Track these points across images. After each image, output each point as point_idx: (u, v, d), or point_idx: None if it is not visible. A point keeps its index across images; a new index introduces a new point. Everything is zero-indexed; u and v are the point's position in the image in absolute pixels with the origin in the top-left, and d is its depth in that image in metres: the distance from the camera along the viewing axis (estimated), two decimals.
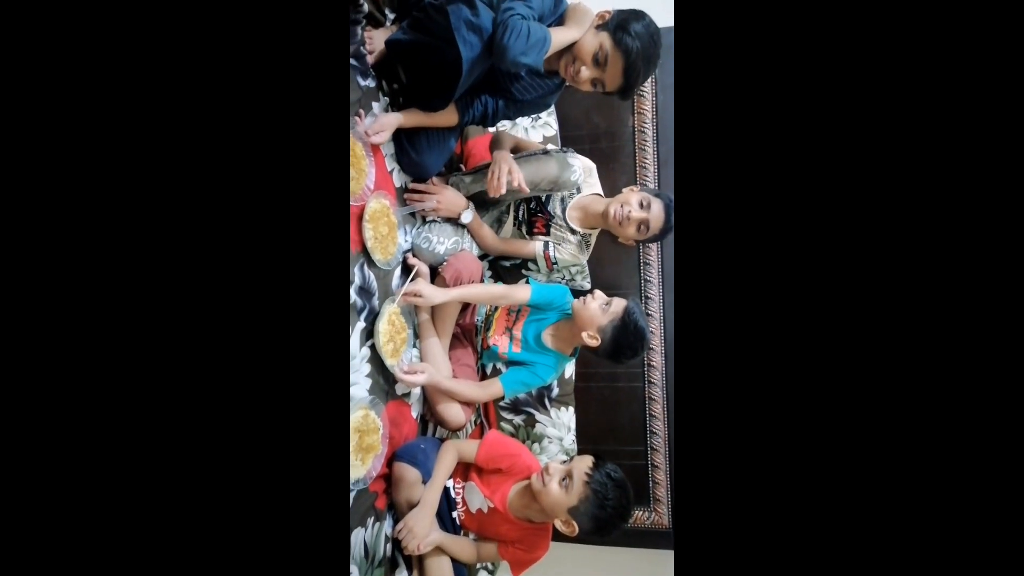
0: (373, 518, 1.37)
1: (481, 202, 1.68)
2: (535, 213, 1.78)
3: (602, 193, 1.80)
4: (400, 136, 1.51)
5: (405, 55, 1.46)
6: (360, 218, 1.37)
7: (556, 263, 1.78)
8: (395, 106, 1.54)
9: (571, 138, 2.06)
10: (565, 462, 1.37)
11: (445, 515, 1.43)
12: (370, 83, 1.45)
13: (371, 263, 1.41)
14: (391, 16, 1.56)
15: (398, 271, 1.55)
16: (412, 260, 1.57)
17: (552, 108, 1.96)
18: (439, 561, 1.39)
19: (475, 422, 1.85)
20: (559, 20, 1.38)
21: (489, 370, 1.74)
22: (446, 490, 1.44)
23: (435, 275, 1.61)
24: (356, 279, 1.35)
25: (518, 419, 1.88)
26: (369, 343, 1.39)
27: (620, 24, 1.32)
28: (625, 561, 2.00)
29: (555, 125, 2.04)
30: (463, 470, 1.51)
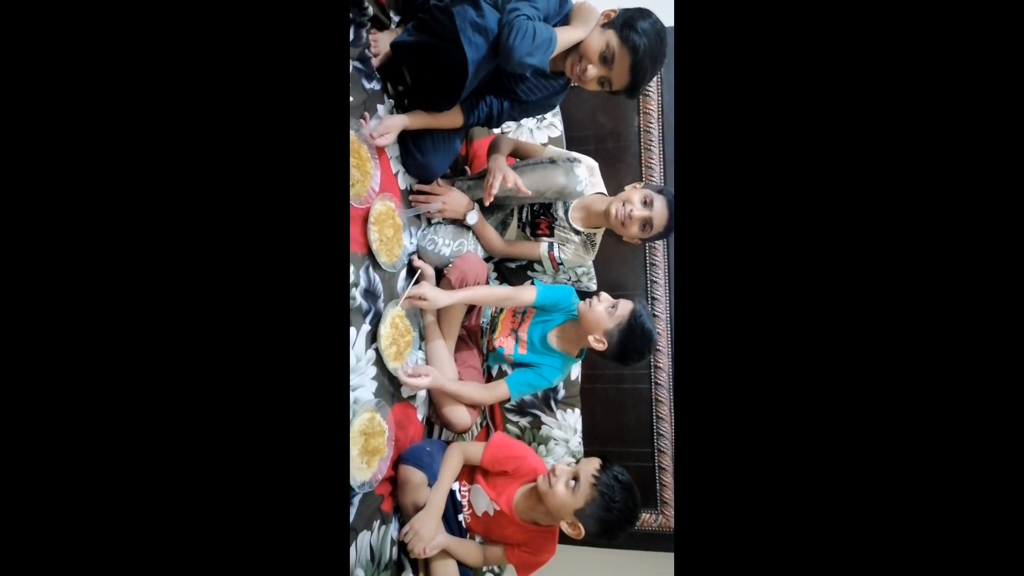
0: (379, 521, 1.36)
1: (485, 206, 1.68)
2: (538, 215, 1.78)
3: (605, 192, 1.78)
4: (405, 138, 1.51)
5: (410, 57, 1.46)
6: (365, 220, 1.37)
7: (562, 264, 1.78)
8: (400, 108, 1.54)
9: (576, 139, 2.06)
10: (571, 464, 1.36)
11: (451, 518, 1.43)
12: (375, 85, 1.45)
13: (376, 265, 1.41)
14: (396, 19, 1.56)
15: (404, 273, 1.55)
16: (417, 262, 1.57)
17: (557, 109, 1.95)
18: (445, 564, 1.38)
19: (481, 424, 1.85)
20: (564, 20, 1.38)
21: (495, 372, 1.73)
22: (452, 493, 1.44)
23: (440, 277, 1.61)
24: (361, 281, 1.35)
25: (524, 421, 1.88)
26: (374, 346, 1.38)
27: (627, 22, 1.32)
28: (631, 564, 1.99)
29: (560, 126, 2.04)
30: (469, 473, 1.51)
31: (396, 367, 1.42)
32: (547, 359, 1.62)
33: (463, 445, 1.50)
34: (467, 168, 1.89)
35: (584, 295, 1.62)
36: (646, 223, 1.59)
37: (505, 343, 1.67)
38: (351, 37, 1.41)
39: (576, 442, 1.89)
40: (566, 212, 1.74)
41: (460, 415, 1.56)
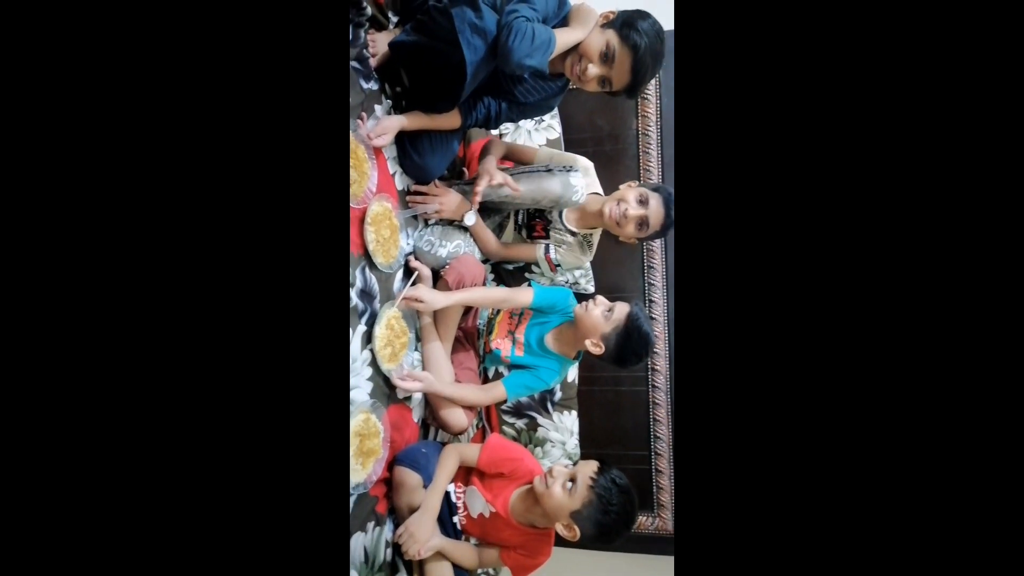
0: (374, 523, 1.36)
1: (482, 209, 1.68)
2: (534, 217, 1.77)
3: (601, 192, 1.77)
4: (403, 139, 1.51)
5: (409, 58, 1.45)
6: (362, 221, 1.37)
7: (559, 265, 1.77)
8: (398, 109, 1.54)
9: (574, 141, 2.06)
10: (568, 466, 1.36)
11: (446, 520, 1.43)
12: (373, 86, 1.45)
13: (373, 266, 1.40)
14: (394, 19, 1.56)
15: (400, 274, 1.54)
16: (414, 263, 1.56)
17: (556, 111, 1.95)
18: (440, 566, 1.38)
19: (477, 426, 1.84)
20: (563, 21, 1.38)
21: (491, 374, 1.73)
22: (447, 495, 1.43)
23: (437, 278, 1.61)
24: (358, 282, 1.35)
25: (520, 423, 1.87)
26: (370, 347, 1.38)
27: (626, 21, 1.32)
28: (628, 567, 1.98)
29: (558, 128, 2.04)
30: (465, 474, 1.50)
31: (390, 369, 1.41)
32: (544, 361, 1.62)
33: (459, 447, 1.50)
34: (464, 170, 1.89)
35: (582, 297, 1.61)
36: (642, 222, 1.58)
37: (502, 345, 1.67)
38: (349, 37, 1.41)
39: (573, 444, 1.88)
40: (560, 214, 1.74)
41: (456, 417, 1.56)
